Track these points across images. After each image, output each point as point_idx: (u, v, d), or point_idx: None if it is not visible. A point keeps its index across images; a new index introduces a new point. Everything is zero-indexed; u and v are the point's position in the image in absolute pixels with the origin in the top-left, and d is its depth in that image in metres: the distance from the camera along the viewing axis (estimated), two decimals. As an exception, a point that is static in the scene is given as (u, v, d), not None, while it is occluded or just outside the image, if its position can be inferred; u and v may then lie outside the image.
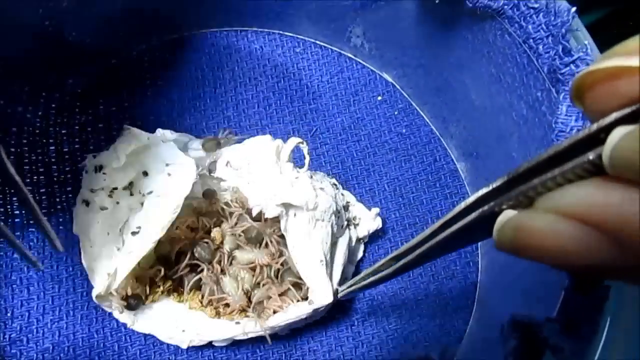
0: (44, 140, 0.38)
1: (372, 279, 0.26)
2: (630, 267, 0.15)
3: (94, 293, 0.31)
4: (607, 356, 0.22)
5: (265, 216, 0.32)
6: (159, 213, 0.31)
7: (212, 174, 0.34)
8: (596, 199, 0.14)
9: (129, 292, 0.32)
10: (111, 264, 0.31)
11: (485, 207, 0.17)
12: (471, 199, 0.18)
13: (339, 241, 0.35)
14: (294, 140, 0.34)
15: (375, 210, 0.37)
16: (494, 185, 0.17)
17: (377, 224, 0.37)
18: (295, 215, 0.32)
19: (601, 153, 0.14)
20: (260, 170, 0.33)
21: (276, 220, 0.33)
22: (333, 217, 0.33)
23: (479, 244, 0.38)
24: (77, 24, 0.37)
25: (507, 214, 0.17)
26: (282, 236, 0.33)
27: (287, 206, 0.32)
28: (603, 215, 0.14)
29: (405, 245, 0.23)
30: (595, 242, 0.14)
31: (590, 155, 0.14)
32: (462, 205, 0.18)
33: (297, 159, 0.37)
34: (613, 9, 0.45)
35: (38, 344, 0.34)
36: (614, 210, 0.14)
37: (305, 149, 0.34)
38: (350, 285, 0.29)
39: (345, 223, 0.36)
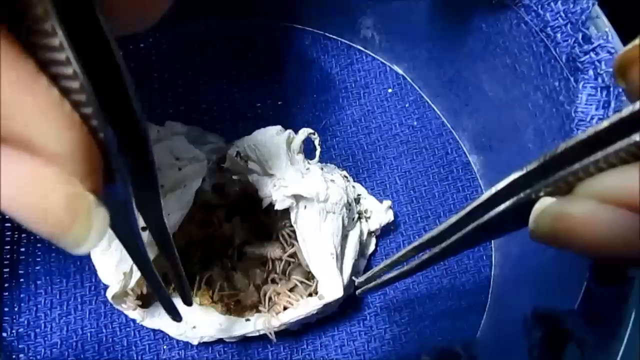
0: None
1: (393, 274, 0.26)
2: None
3: (110, 293, 0.30)
4: (633, 348, 0.22)
5: (276, 208, 0.32)
6: (169, 208, 0.31)
7: (222, 165, 0.34)
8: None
9: (144, 291, 0.31)
10: (125, 263, 0.30)
11: (521, 195, 0.16)
12: (502, 183, 0.17)
13: (350, 234, 0.34)
14: (305, 131, 0.33)
15: (387, 203, 0.36)
16: (528, 168, 0.16)
17: (389, 216, 0.36)
18: (305, 207, 0.32)
19: None
20: (271, 161, 0.32)
21: (287, 213, 0.32)
22: (344, 209, 0.33)
23: (492, 237, 0.37)
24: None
25: (545, 201, 0.16)
26: (293, 230, 0.33)
27: (297, 198, 0.31)
28: None
29: (427, 234, 0.22)
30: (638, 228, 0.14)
31: (637, 137, 0.13)
32: (493, 190, 0.18)
33: (307, 151, 0.36)
34: (612, 9, 0.45)
35: (46, 338, 0.33)
36: None
37: (316, 140, 0.33)
38: (369, 279, 0.28)
39: (357, 216, 0.35)
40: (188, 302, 0.28)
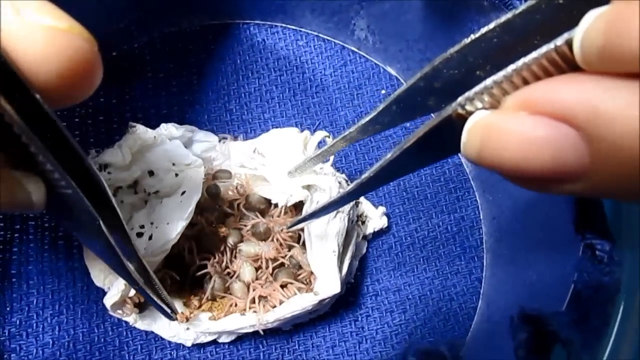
0: (44, 133, 0.37)
1: (334, 199, 0.25)
2: (596, 178, 0.14)
3: (109, 302, 0.30)
4: (619, 349, 0.22)
5: (291, 203, 0.32)
6: (168, 217, 0.31)
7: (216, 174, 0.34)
8: (568, 93, 0.13)
9: (142, 299, 0.31)
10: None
11: (449, 107, 0.17)
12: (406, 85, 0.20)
13: (351, 235, 0.34)
14: (320, 133, 0.34)
15: (382, 209, 0.36)
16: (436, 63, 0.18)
17: (383, 222, 0.36)
18: (318, 202, 0.32)
19: (569, 39, 0.13)
20: (288, 159, 0.33)
21: (287, 215, 0.33)
22: (351, 211, 0.34)
23: (484, 239, 0.37)
24: (77, 15, 0.37)
25: (480, 114, 0.16)
26: (290, 234, 0.33)
27: (311, 191, 0.32)
28: (575, 109, 0.13)
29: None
30: (568, 139, 0.13)
31: (558, 42, 0.13)
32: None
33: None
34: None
35: (38, 338, 0.33)
36: (586, 104, 0.13)
37: (330, 142, 0.34)
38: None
39: (356, 219, 0.35)
40: (175, 312, 0.28)
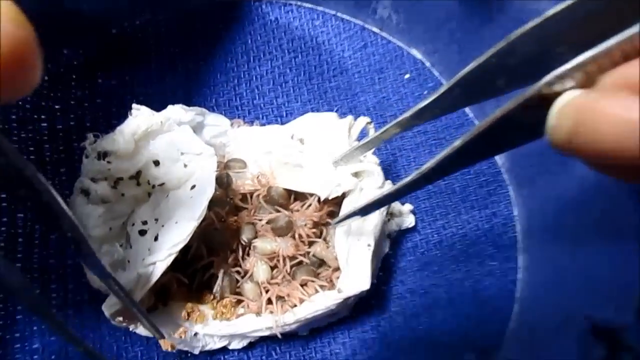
0: (35, 117, 0.34)
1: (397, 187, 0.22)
2: None
3: (108, 311, 0.27)
4: None
5: (337, 194, 0.29)
6: (175, 213, 0.27)
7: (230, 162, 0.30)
8: None
9: (147, 305, 0.28)
10: (127, 279, 0.27)
11: (534, 86, 0.14)
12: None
13: (383, 232, 0.31)
14: (363, 120, 0.31)
15: (409, 207, 0.34)
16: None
17: (410, 220, 0.34)
18: (362, 190, 0.29)
19: None
20: (332, 145, 0.30)
21: (310, 209, 0.29)
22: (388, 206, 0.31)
23: (518, 237, 0.34)
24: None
25: (572, 93, 0.14)
26: (314, 227, 0.30)
27: (359, 178, 0.29)
28: None
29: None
30: None
31: None
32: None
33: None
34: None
35: (26, 344, 0.30)
36: None
37: (371, 130, 0.31)
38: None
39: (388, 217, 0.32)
40: (160, 336, 0.27)
